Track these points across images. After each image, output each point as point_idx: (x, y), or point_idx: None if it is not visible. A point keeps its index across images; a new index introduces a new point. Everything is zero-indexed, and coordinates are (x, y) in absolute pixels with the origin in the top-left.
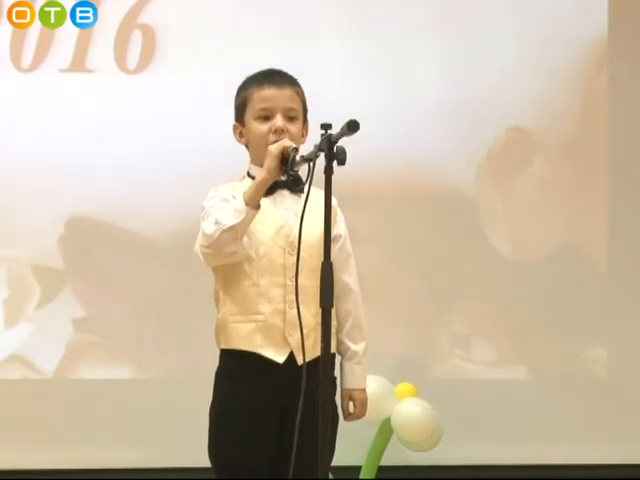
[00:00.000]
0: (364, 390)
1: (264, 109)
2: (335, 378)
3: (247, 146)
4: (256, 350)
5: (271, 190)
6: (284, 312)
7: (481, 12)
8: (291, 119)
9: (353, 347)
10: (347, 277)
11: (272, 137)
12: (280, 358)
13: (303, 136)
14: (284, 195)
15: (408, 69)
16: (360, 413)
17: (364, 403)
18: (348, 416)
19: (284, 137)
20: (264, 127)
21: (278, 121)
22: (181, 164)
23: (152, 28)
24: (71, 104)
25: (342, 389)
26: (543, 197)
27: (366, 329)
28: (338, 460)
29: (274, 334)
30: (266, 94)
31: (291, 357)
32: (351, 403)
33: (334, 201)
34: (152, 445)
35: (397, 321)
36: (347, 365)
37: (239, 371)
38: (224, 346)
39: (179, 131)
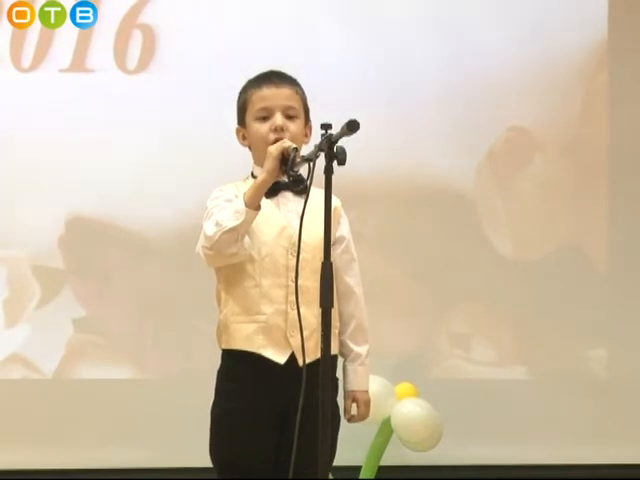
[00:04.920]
0: (367, 392)
1: (263, 108)
2: (337, 379)
3: (250, 149)
4: (257, 351)
5: (274, 192)
6: (286, 313)
7: (481, 12)
8: (291, 118)
9: (356, 349)
10: (350, 279)
11: (272, 136)
12: (281, 359)
13: (306, 136)
14: (287, 197)
15: (408, 69)
16: (364, 414)
17: (367, 404)
18: (351, 418)
19: (284, 135)
20: (264, 127)
21: (277, 119)
22: (181, 164)
23: (152, 28)
24: (71, 104)
25: (345, 391)
26: (543, 197)
27: (369, 332)
28: (338, 460)
29: (276, 335)
30: (264, 93)
31: (293, 358)
32: (354, 404)
33: (338, 202)
34: (152, 445)
35: (397, 321)
36: (350, 367)
37: (240, 371)
38: (225, 346)
39: (179, 131)
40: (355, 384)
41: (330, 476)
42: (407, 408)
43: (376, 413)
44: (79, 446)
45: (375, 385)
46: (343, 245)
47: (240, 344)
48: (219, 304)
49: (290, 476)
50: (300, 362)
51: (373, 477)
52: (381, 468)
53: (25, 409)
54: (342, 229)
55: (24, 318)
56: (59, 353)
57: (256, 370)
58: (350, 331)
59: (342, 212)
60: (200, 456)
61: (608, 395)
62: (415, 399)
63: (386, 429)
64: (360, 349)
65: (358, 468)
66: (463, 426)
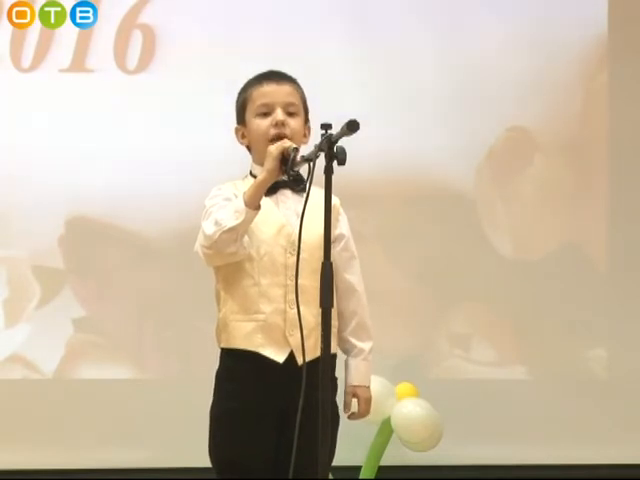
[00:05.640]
0: (369, 388)
1: (264, 105)
2: (336, 378)
3: (249, 148)
4: (256, 349)
5: (273, 190)
6: (284, 312)
7: (481, 12)
8: (291, 114)
9: (360, 345)
10: (351, 276)
11: (273, 131)
12: (280, 358)
13: (305, 136)
14: (286, 195)
15: (408, 69)
16: (364, 411)
17: (368, 401)
18: (351, 415)
19: (285, 131)
20: (265, 123)
21: (279, 114)
22: (181, 164)
23: (152, 28)
24: (71, 104)
25: (347, 386)
26: (543, 197)
27: (372, 330)
28: (338, 460)
29: (274, 334)
30: (265, 90)
31: (291, 357)
32: (355, 401)
33: (336, 201)
34: (152, 445)
35: (397, 321)
36: (353, 362)
37: (239, 370)
38: (224, 345)
39: (179, 131)
40: (356, 379)
41: (330, 476)
42: (407, 408)
43: (376, 413)
44: (79, 446)
45: (375, 385)
46: (342, 243)
47: (239, 343)
48: (218, 303)
49: (290, 476)
50: (299, 361)
51: (373, 477)
52: (381, 468)
53: (25, 409)
54: (341, 227)
55: (24, 318)
56: (59, 353)
57: (255, 369)
58: (352, 328)
59: (341, 210)
60: (200, 456)
61: (608, 395)
62: (415, 399)
63: (386, 429)
64: (363, 345)
65: (358, 468)
66: (463, 426)
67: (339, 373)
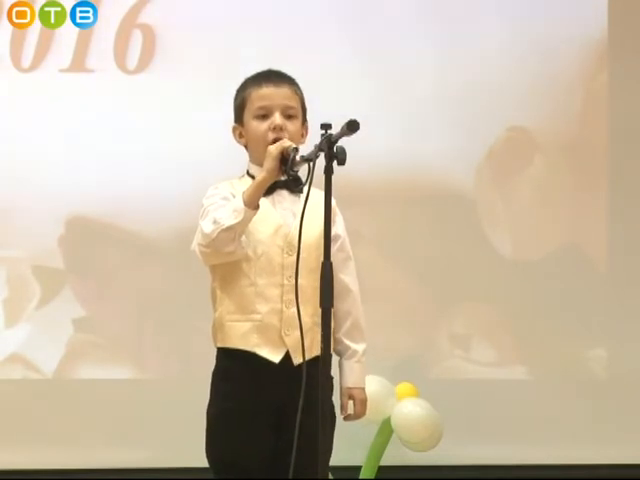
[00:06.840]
0: (364, 389)
1: (262, 107)
2: (332, 378)
3: (246, 147)
4: (252, 349)
5: (270, 190)
6: (281, 312)
7: (481, 12)
8: (289, 117)
9: (353, 346)
10: (345, 277)
11: (271, 135)
12: (276, 358)
13: (303, 136)
14: (283, 195)
15: (408, 69)
16: (360, 413)
17: (364, 402)
18: (347, 416)
19: (283, 135)
20: (263, 125)
21: (277, 119)
22: (181, 164)
23: (152, 28)
24: (71, 104)
25: (342, 387)
26: (543, 197)
27: (365, 331)
28: (338, 460)
29: (270, 334)
30: (264, 92)
31: (287, 357)
32: (350, 402)
33: (332, 201)
34: (152, 445)
35: (397, 321)
36: (347, 363)
37: (235, 370)
38: (220, 345)
39: (179, 131)
40: (351, 381)
41: (330, 476)
42: (407, 408)
43: (376, 413)
44: (79, 446)
45: (375, 385)
46: (338, 243)
47: (235, 342)
48: (214, 302)
49: (290, 476)
50: (294, 361)
51: (373, 477)
52: (381, 468)
53: (25, 409)
54: (337, 227)
55: (24, 318)
56: (59, 353)
57: (251, 369)
58: (346, 329)
59: (337, 210)
60: (200, 456)
61: (608, 395)
62: (415, 399)
63: (386, 429)
64: (357, 346)
65: (358, 468)
66: (463, 426)
67: (333, 374)
